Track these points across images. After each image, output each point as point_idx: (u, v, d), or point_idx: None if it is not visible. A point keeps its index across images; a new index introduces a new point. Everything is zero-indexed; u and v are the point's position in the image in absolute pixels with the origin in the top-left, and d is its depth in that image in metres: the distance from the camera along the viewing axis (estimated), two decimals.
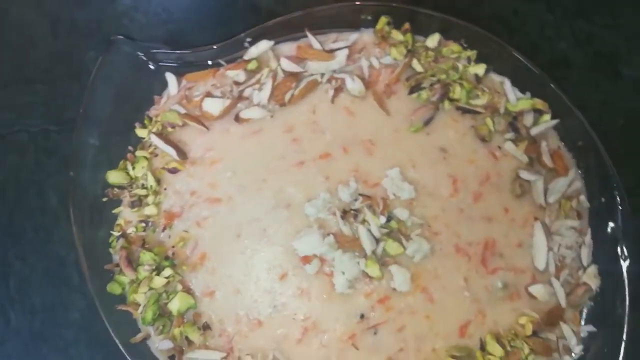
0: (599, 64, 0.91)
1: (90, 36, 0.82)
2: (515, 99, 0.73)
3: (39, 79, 0.81)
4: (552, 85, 0.73)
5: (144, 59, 0.69)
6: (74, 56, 0.82)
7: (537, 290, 0.69)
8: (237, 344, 0.65)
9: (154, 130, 0.68)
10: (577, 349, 0.69)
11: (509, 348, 0.67)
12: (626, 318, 0.68)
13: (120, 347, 0.64)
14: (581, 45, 0.93)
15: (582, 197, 0.72)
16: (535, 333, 0.68)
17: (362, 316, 0.67)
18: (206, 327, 0.65)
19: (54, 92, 0.81)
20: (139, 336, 0.65)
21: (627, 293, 0.68)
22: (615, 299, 0.69)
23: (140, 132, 0.69)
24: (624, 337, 0.67)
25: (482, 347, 0.68)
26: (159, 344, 0.64)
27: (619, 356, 0.67)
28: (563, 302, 0.69)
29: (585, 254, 0.71)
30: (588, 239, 0.72)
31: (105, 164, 0.68)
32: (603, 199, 0.72)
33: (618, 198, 0.70)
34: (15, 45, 0.82)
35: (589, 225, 0.72)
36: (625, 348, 0.67)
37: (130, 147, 0.69)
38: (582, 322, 0.70)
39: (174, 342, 0.64)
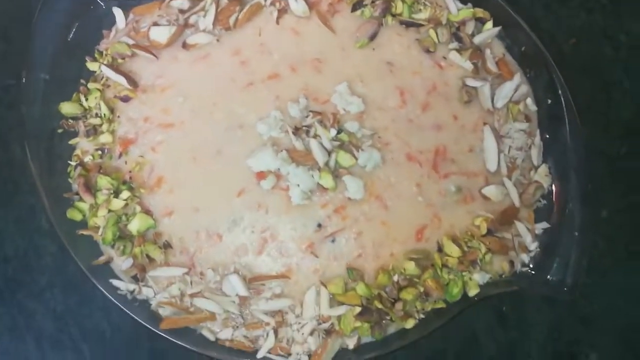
0: None
1: None
2: (457, 9, 0.74)
3: None
4: None
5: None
6: (26, 13, 0.83)
7: (490, 191, 0.70)
8: (199, 260, 0.67)
9: (105, 62, 0.70)
10: (533, 246, 0.71)
11: (465, 248, 0.69)
12: (577, 212, 0.70)
13: (84, 269, 0.65)
14: None
15: (529, 100, 0.74)
16: (490, 232, 0.69)
17: (319, 225, 0.68)
18: (167, 246, 0.67)
19: (10, 49, 0.83)
20: (102, 259, 0.66)
21: (577, 189, 0.71)
22: (567, 195, 0.71)
23: (92, 65, 0.70)
24: (576, 232, 0.69)
25: (440, 249, 0.69)
26: (122, 265, 0.66)
27: (571, 249, 0.68)
28: (516, 202, 0.71)
29: (535, 155, 0.73)
30: (537, 140, 0.73)
31: (58, 98, 0.69)
32: (549, 101, 0.74)
33: (562, 99, 0.72)
34: None
35: (537, 127, 0.74)
36: (577, 241, 0.69)
37: (82, 81, 0.71)
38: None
39: (136, 261, 0.65)
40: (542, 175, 0.72)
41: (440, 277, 0.68)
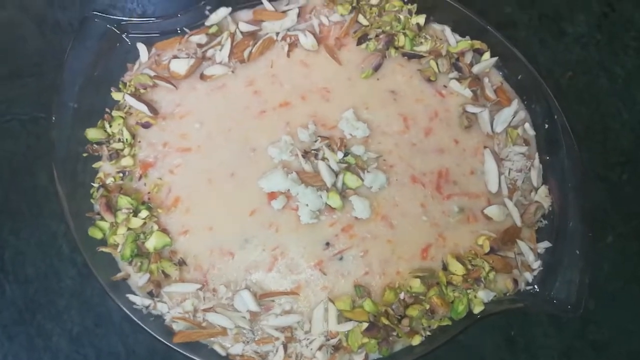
0: (544, 24, 0.99)
1: (72, 33, 0.91)
2: (455, 42, 0.79)
3: (28, 73, 0.89)
4: (488, 27, 0.79)
5: (117, 32, 0.76)
6: (58, 51, 0.90)
7: (492, 211, 0.73)
8: (212, 277, 0.70)
9: (128, 92, 0.75)
10: (535, 265, 0.72)
11: (469, 267, 0.71)
12: (578, 231, 0.72)
13: (104, 285, 0.68)
14: (525, 9, 1.01)
15: (527, 125, 0.78)
16: (493, 251, 0.72)
17: (327, 244, 0.71)
18: (181, 263, 0.70)
19: (41, 84, 0.89)
20: (120, 275, 0.69)
21: (576, 208, 0.73)
22: (567, 215, 0.73)
23: (116, 95, 0.76)
24: (577, 250, 0.71)
25: (445, 267, 0.72)
26: (139, 281, 0.69)
27: (573, 267, 0.70)
28: (518, 221, 0.74)
29: (535, 176, 0.76)
30: (537, 162, 0.77)
31: (84, 125, 0.74)
32: (546, 125, 0.77)
33: (559, 124, 0.76)
34: (6, 45, 0.91)
35: (536, 151, 0.78)
36: (578, 259, 0.70)
37: (107, 109, 0.76)
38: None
39: (152, 277, 0.68)
40: (542, 196, 0.75)
41: (446, 294, 0.70)
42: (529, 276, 0.72)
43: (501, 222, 0.74)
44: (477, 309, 0.69)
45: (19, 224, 0.83)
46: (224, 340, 0.68)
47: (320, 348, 0.67)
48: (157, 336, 0.66)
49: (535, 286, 0.72)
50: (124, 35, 0.77)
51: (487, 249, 0.71)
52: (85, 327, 0.80)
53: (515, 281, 0.72)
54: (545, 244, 0.73)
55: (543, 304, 0.70)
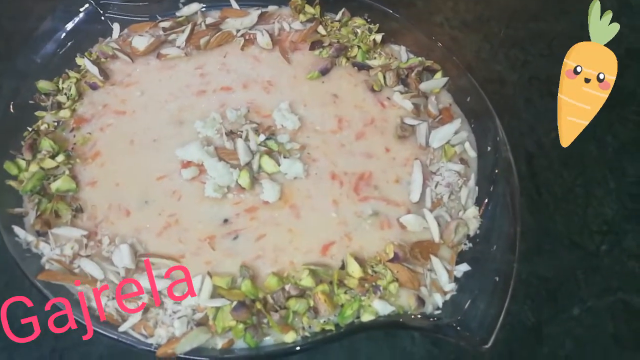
0: (534, 85, 0.97)
1: None
2: (407, 58, 0.79)
3: None
4: (439, 44, 0.79)
5: (98, 10, 0.84)
6: None
7: (408, 220, 0.67)
8: (102, 229, 0.68)
9: (90, 58, 0.81)
10: (449, 287, 0.64)
11: (370, 272, 0.64)
12: (501, 256, 0.63)
13: None
14: (516, 69, 1.00)
15: (467, 145, 0.73)
16: (398, 258, 0.64)
17: (225, 221, 0.68)
18: (78, 210, 0.69)
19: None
20: (18, 209, 0.69)
21: (504, 232, 0.65)
22: (491, 239, 0.66)
23: (79, 61, 0.81)
24: (497, 277, 0.62)
25: (343, 267, 0.65)
26: (31, 218, 0.68)
27: (491, 296, 0.61)
28: (436, 236, 0.66)
29: (465, 195, 0.69)
30: (472, 183, 0.71)
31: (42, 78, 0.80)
32: (489, 148, 0.72)
33: (501, 148, 0.71)
34: None
35: (475, 172, 0.72)
36: (497, 287, 0.61)
37: (66, 70, 0.81)
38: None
39: (43, 215, 0.67)
40: (470, 217, 0.68)
41: (336, 294, 0.62)
42: (439, 299, 0.63)
43: (417, 234, 0.67)
44: (366, 317, 0.61)
45: None
46: (90, 291, 0.64)
47: (180, 317, 0.61)
48: (23, 269, 0.63)
49: (444, 311, 0.62)
50: (102, 17, 0.84)
51: (390, 255, 0.64)
52: None
53: (422, 300, 0.63)
54: (464, 267, 0.65)
55: (448, 330, 0.60)
